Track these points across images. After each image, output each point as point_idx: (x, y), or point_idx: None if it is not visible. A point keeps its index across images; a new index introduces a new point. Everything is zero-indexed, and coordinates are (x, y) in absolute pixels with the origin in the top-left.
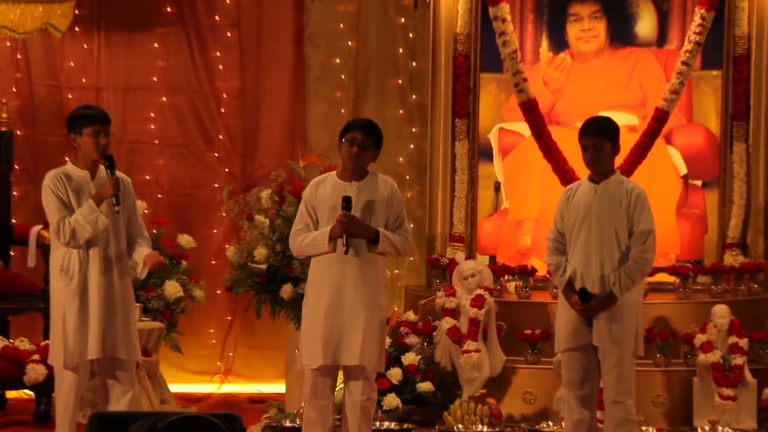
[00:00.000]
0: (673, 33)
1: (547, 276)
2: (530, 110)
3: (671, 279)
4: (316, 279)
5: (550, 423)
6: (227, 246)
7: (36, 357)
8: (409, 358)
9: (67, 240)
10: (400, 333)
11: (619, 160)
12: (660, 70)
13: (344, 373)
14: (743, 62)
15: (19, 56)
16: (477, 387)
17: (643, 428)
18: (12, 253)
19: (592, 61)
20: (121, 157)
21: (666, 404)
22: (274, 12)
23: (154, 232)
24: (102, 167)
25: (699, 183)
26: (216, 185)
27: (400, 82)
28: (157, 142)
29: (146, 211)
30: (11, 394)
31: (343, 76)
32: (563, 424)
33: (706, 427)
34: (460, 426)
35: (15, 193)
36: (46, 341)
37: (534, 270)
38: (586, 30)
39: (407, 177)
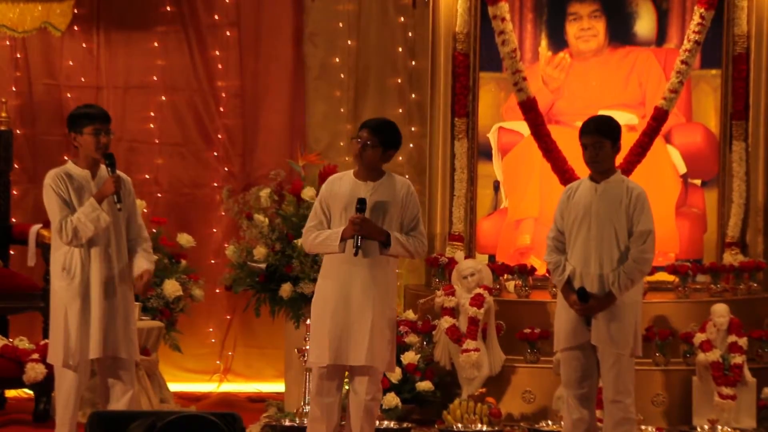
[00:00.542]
0: (672, 32)
1: (547, 275)
2: (529, 109)
3: (670, 278)
4: (325, 276)
5: (550, 422)
6: (226, 245)
7: (35, 356)
8: (409, 357)
9: (69, 239)
10: (400, 332)
11: (618, 160)
12: (659, 69)
13: (350, 373)
14: (742, 61)
15: (18, 55)
16: (476, 386)
17: (643, 427)
18: (12, 252)
19: (592, 60)
20: (120, 156)
21: (665, 403)
22: (274, 11)
23: (154, 231)
24: (103, 166)
25: (698, 182)
26: (215, 184)
27: (399, 81)
28: (156, 141)
29: (145, 210)
30: (10, 393)
31: (342, 76)
32: (563, 423)
33: (706, 426)
34: (460, 425)
35: (14, 192)
36: (46, 340)
37: (533, 269)
38: (586, 29)
39: (406, 176)
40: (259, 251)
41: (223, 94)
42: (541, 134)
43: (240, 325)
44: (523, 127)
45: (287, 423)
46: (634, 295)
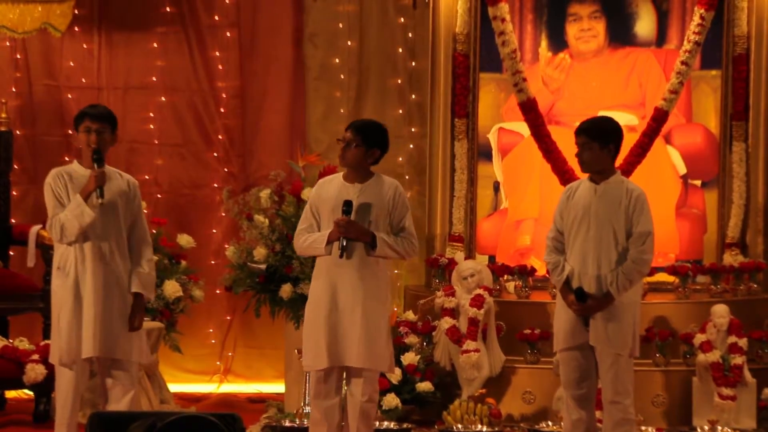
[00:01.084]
0: (672, 33)
1: (547, 276)
2: (529, 110)
3: (671, 279)
4: (317, 279)
5: (550, 423)
6: (226, 246)
7: (35, 357)
8: (409, 357)
9: (58, 236)
10: (400, 333)
11: (618, 160)
12: (659, 70)
13: (347, 374)
14: (742, 62)
15: (18, 56)
16: (476, 387)
17: (643, 428)
18: (11, 253)
19: (592, 60)
20: (120, 156)
21: (665, 404)
22: (274, 12)
23: (154, 231)
24: (108, 166)
25: (698, 183)
26: (215, 185)
27: (399, 81)
28: (156, 141)
29: (145, 211)
30: (10, 393)
31: (342, 76)
32: (563, 423)
33: (706, 427)
34: (460, 426)
35: (14, 192)
36: (46, 341)
37: (533, 270)
38: (586, 30)
39: (406, 177)
40: (259, 252)
41: (223, 95)
42: (541, 135)
43: (240, 326)
44: (523, 128)
45: (287, 424)
46: (633, 296)
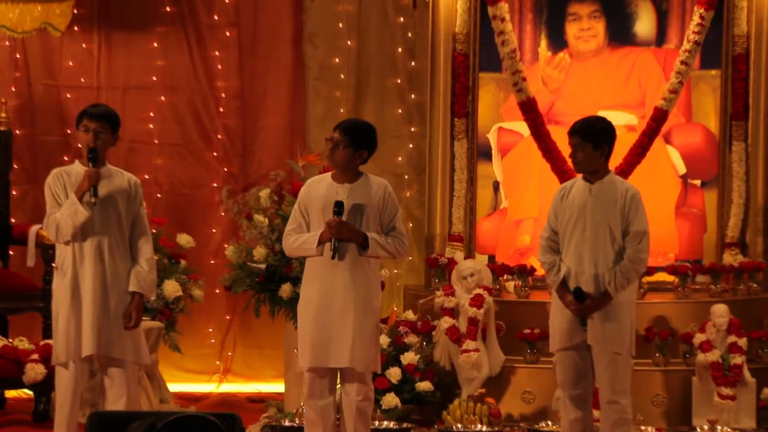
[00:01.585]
0: (672, 32)
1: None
2: (529, 110)
3: (670, 278)
4: (308, 279)
5: (549, 422)
6: (226, 245)
7: (35, 356)
8: (408, 357)
9: (54, 236)
10: (399, 332)
11: (618, 160)
12: (659, 70)
13: (340, 375)
14: (742, 62)
15: (17, 56)
16: (476, 386)
17: (642, 428)
18: (11, 253)
19: (591, 60)
20: (120, 156)
21: (665, 404)
22: (274, 11)
23: (153, 231)
24: (109, 165)
25: (698, 182)
26: (215, 185)
27: (399, 81)
28: (156, 141)
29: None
30: (10, 393)
31: (342, 76)
32: (560, 423)
33: (705, 427)
34: (459, 425)
35: (14, 192)
36: (45, 341)
37: (533, 269)
38: (585, 29)
39: (406, 176)
40: (259, 252)
41: (223, 95)
42: (540, 134)
43: (240, 326)
44: (522, 128)
45: (287, 423)
46: (629, 295)
